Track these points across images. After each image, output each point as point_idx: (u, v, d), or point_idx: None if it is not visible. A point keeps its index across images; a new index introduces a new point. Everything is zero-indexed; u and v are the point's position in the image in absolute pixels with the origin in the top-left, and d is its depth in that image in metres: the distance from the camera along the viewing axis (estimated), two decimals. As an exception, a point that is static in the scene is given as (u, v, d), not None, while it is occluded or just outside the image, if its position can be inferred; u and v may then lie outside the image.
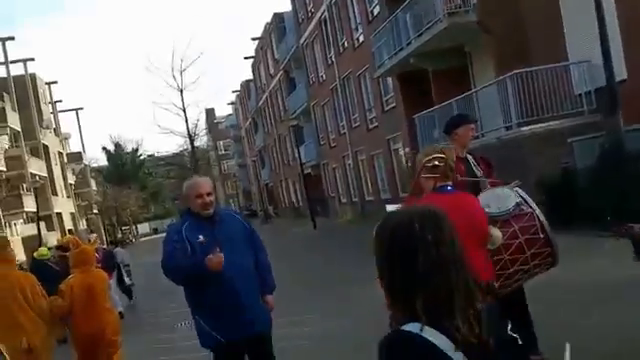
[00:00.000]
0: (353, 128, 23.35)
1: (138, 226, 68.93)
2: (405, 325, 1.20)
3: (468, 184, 3.72)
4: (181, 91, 20.15)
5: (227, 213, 3.69)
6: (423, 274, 1.20)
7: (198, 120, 27.82)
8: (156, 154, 61.84)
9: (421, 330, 1.18)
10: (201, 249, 3.23)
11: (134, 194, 55.85)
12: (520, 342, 1.63)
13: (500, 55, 12.37)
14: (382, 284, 1.28)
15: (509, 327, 2.72)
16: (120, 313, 9.88)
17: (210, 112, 66.81)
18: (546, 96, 10.33)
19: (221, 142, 71.48)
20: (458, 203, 2.78)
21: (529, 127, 10.19)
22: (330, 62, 24.96)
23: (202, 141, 42.14)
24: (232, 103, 59.72)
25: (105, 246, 12.54)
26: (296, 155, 34.05)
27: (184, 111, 20.60)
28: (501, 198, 3.58)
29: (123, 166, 65.69)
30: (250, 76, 47.63)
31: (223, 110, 70.65)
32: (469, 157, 4.09)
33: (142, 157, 70.35)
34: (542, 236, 3.51)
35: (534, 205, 3.60)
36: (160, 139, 71.37)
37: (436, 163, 2.91)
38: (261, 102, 44.31)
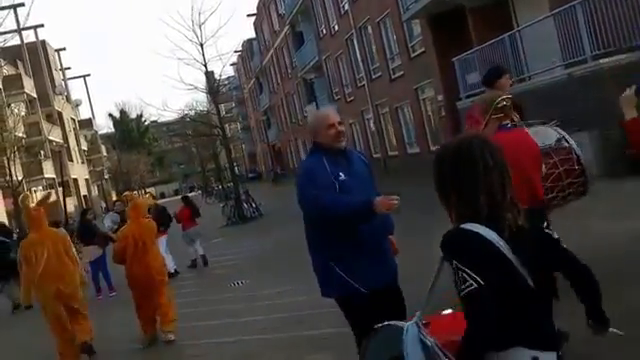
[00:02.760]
0: (373, 80, 22.08)
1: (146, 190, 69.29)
2: (464, 225, 1.63)
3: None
4: (201, 45, 18.84)
5: (351, 149, 3.26)
6: (485, 177, 1.63)
7: (221, 75, 26.38)
8: (159, 120, 61.11)
9: (481, 223, 1.61)
10: (344, 186, 2.88)
11: (143, 159, 55.46)
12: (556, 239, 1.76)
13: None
14: (444, 201, 1.72)
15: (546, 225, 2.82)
16: (175, 271, 10.01)
17: (210, 75, 64.96)
18: (622, 24, 9.15)
19: (222, 105, 69.98)
20: (521, 137, 3.45)
21: (610, 59, 9.05)
22: (343, 11, 23.46)
23: (203, 105, 40.90)
24: (234, 64, 57.90)
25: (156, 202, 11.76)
26: (305, 114, 32.95)
27: (205, 66, 19.44)
28: (543, 134, 4.12)
29: (129, 132, 65.22)
30: (252, 34, 45.85)
31: (224, 72, 68.90)
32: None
33: (146, 123, 70.17)
34: (577, 168, 4.12)
35: (572, 141, 4.19)
36: (163, 104, 69.91)
37: (505, 103, 3.39)
38: (265, 61, 42.71)
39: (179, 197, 16.76)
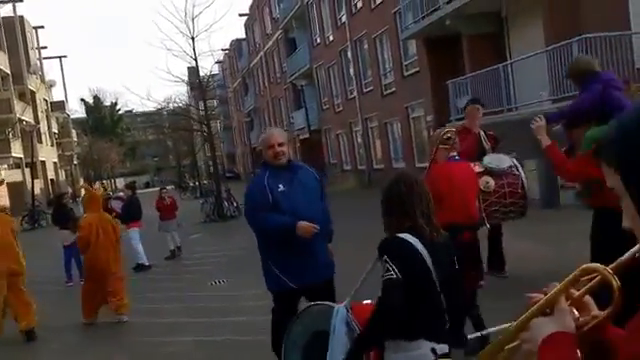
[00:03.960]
0: (364, 93, 22.45)
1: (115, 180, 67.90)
2: (399, 234, 2.15)
3: (478, 151, 5.36)
4: (192, 38, 18.77)
5: (300, 165, 3.84)
6: (415, 203, 2.20)
7: (211, 71, 26.24)
8: (134, 111, 60.07)
9: (410, 234, 2.14)
10: (282, 197, 3.43)
11: (115, 148, 54.38)
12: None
13: (551, 21, 11.65)
14: (386, 218, 2.25)
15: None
16: (149, 266, 9.83)
17: (192, 70, 64.42)
18: (617, 66, 9.69)
19: (202, 102, 69.33)
20: (465, 168, 4.22)
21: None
22: (340, 23, 23.81)
23: (182, 99, 40.52)
24: (220, 62, 57.64)
25: (122, 193, 11.55)
26: (291, 119, 33.09)
27: (195, 60, 19.36)
28: (500, 160, 5.30)
29: (102, 120, 63.97)
30: (241, 35, 45.81)
31: (207, 69, 68.26)
32: (481, 132, 5.58)
33: (120, 112, 68.88)
34: (520, 191, 5.28)
35: (521, 170, 5.40)
36: (147, 94, 69.03)
37: (449, 135, 3.99)
38: (254, 62, 42.74)
39: (150, 190, 16.65)
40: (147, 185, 67.09)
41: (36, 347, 5.84)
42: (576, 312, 0.92)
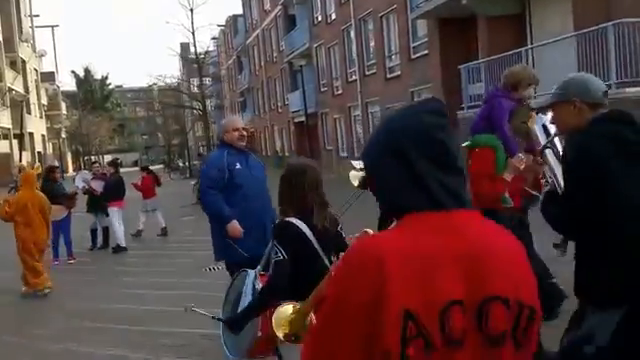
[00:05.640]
0: (366, 76, 21.42)
1: (103, 157, 66.78)
2: (288, 218, 2.46)
3: None
4: (191, 10, 17.68)
5: (251, 153, 4.28)
6: (305, 191, 2.48)
7: (208, 46, 25.35)
8: (123, 86, 58.56)
9: (299, 218, 2.44)
10: (238, 174, 3.94)
11: (105, 124, 52.97)
12: None
13: (582, 3, 10.74)
14: (281, 204, 2.54)
15: None
16: (124, 248, 9.57)
17: (185, 46, 62.80)
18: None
19: (195, 80, 67.87)
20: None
21: (637, 88, 8.70)
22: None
23: (173, 79, 39.38)
24: (215, 38, 56.01)
25: (105, 171, 10.78)
26: (286, 101, 32.02)
27: (193, 34, 18.37)
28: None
29: (92, 93, 62.42)
30: (239, 11, 44.35)
31: (204, 45, 66.56)
32: None
33: (110, 86, 67.42)
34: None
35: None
36: (130, 71, 66.41)
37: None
38: (250, 40, 41.39)
39: (136, 169, 16.33)
40: (135, 164, 66.16)
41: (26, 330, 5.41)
42: None
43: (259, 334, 2.50)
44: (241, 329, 2.51)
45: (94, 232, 9.93)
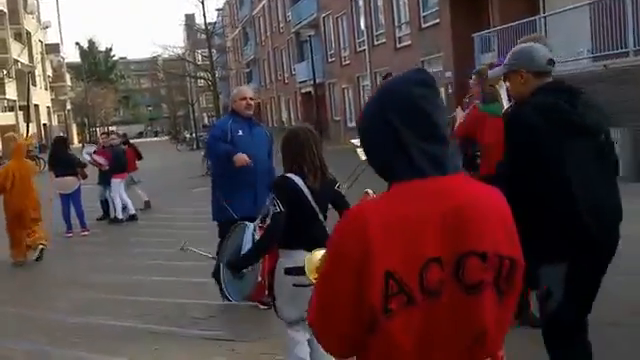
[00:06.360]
0: (375, 46, 21.04)
1: (108, 128, 66.68)
2: (287, 174, 2.66)
3: None
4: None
5: (258, 123, 4.66)
6: (302, 150, 2.66)
7: (219, 17, 25.06)
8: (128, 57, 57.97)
9: (296, 174, 2.63)
10: (239, 140, 4.25)
11: (110, 96, 52.72)
12: None
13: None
14: (284, 163, 2.72)
15: None
16: (134, 215, 9.70)
17: (190, 17, 61.82)
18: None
19: (199, 51, 67.14)
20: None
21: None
22: (353, -32, 22.14)
23: (177, 50, 38.86)
24: (220, 9, 55.07)
25: (115, 140, 10.61)
26: (293, 72, 31.60)
27: (202, 3, 18.28)
28: None
29: (96, 65, 61.92)
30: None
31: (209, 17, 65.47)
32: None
33: (115, 58, 66.77)
34: None
35: None
36: (134, 43, 65.62)
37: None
38: (256, 10, 40.66)
39: (142, 140, 15.95)
40: (140, 135, 66.07)
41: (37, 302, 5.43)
42: None
43: (259, 279, 2.84)
44: (240, 271, 2.86)
45: (104, 202, 9.92)
